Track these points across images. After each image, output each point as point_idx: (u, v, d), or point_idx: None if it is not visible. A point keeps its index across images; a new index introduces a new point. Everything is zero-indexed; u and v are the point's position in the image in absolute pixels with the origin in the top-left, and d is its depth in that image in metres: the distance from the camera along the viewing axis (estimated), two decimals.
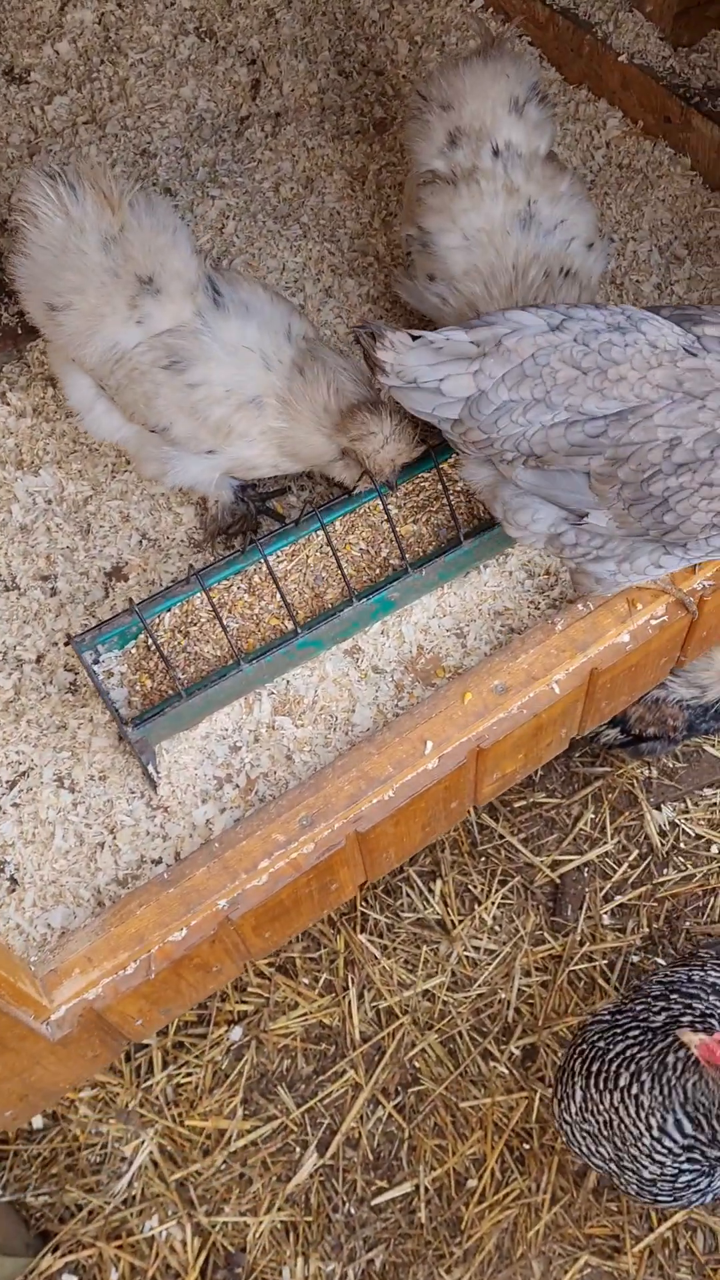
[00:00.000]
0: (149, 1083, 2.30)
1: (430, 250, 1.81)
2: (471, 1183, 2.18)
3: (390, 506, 1.76)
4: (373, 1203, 2.17)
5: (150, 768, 1.65)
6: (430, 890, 2.46)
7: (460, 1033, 2.31)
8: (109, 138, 2.42)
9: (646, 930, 2.40)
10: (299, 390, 1.64)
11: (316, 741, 1.71)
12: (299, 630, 1.68)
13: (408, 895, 2.46)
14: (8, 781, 1.71)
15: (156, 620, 1.73)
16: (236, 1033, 2.33)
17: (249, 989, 2.37)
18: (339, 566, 1.69)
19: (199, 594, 1.72)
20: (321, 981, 2.38)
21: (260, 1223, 2.16)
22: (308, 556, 1.80)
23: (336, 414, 1.64)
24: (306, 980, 2.38)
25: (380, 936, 2.41)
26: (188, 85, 2.49)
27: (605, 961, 2.36)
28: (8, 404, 2.06)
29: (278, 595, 1.74)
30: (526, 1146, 2.20)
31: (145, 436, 1.77)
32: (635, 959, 2.37)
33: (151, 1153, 2.25)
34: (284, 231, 2.25)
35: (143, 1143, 2.25)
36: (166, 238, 1.61)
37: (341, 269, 2.20)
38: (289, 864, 1.57)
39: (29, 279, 1.67)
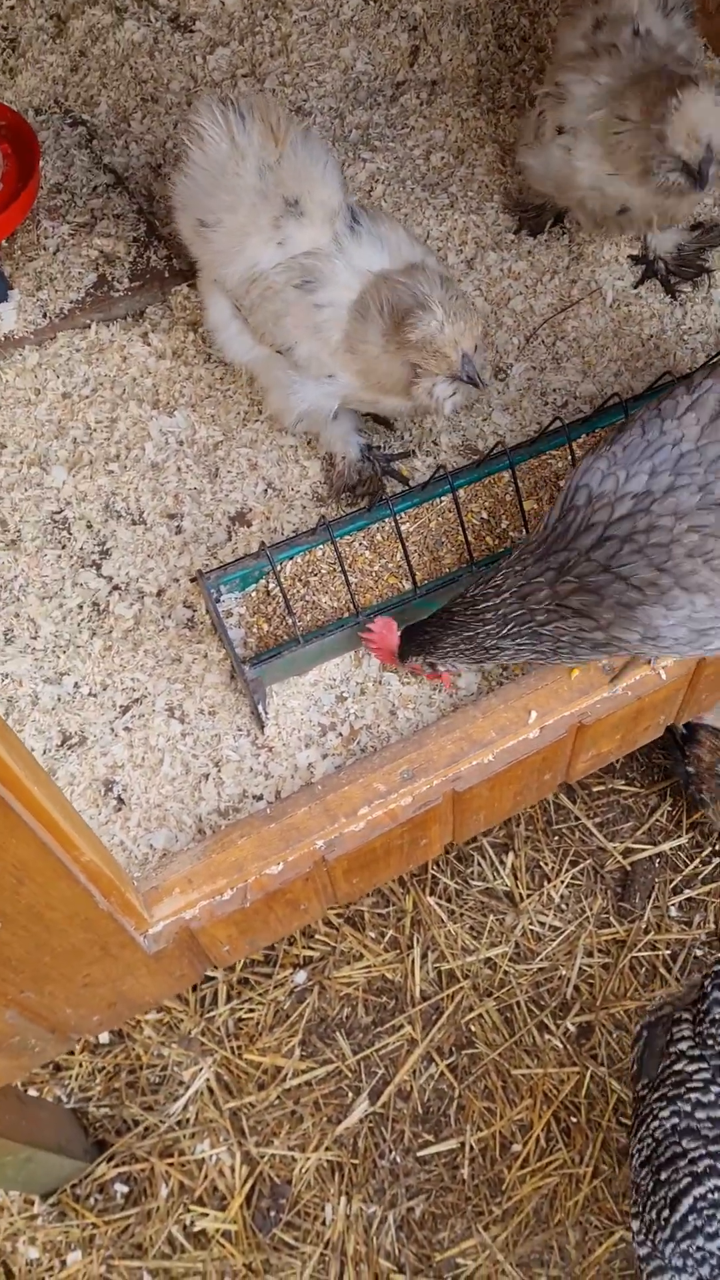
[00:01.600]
0: (212, 1014, 2.38)
1: (564, 99, 1.91)
2: (516, 1147, 2.23)
3: (517, 480, 1.79)
4: (418, 1154, 2.23)
5: (260, 707, 1.71)
6: (502, 862, 2.50)
7: (518, 1003, 2.35)
8: (266, 92, 2.46)
9: (713, 926, 2.42)
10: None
11: (420, 700, 1.76)
12: (417, 591, 1.72)
13: (479, 864, 2.50)
14: (121, 706, 1.78)
15: (279, 566, 1.78)
16: (301, 976, 2.40)
17: (316, 936, 2.44)
18: (463, 533, 1.72)
19: (324, 545, 1.77)
20: (387, 938, 2.44)
21: (308, 1159, 2.24)
22: (429, 520, 1.84)
23: (393, 327, 1.66)
24: (373, 934, 2.44)
25: (449, 901, 2.46)
26: (348, 46, 2.52)
27: (669, 952, 2.39)
28: (149, 344, 2.12)
29: (398, 555, 1.79)
30: (574, 1120, 2.24)
31: (272, 360, 1.82)
32: (699, 952, 2.39)
33: (208, 1080, 2.33)
34: (432, 200, 2.27)
35: (201, 1070, 2.33)
36: (318, 170, 1.67)
37: (485, 242, 2.22)
38: (386, 814, 1.63)
39: (186, 196, 1.75)
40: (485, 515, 1.85)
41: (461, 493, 1.85)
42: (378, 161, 2.32)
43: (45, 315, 2.13)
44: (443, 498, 1.82)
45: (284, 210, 1.67)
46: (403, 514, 1.82)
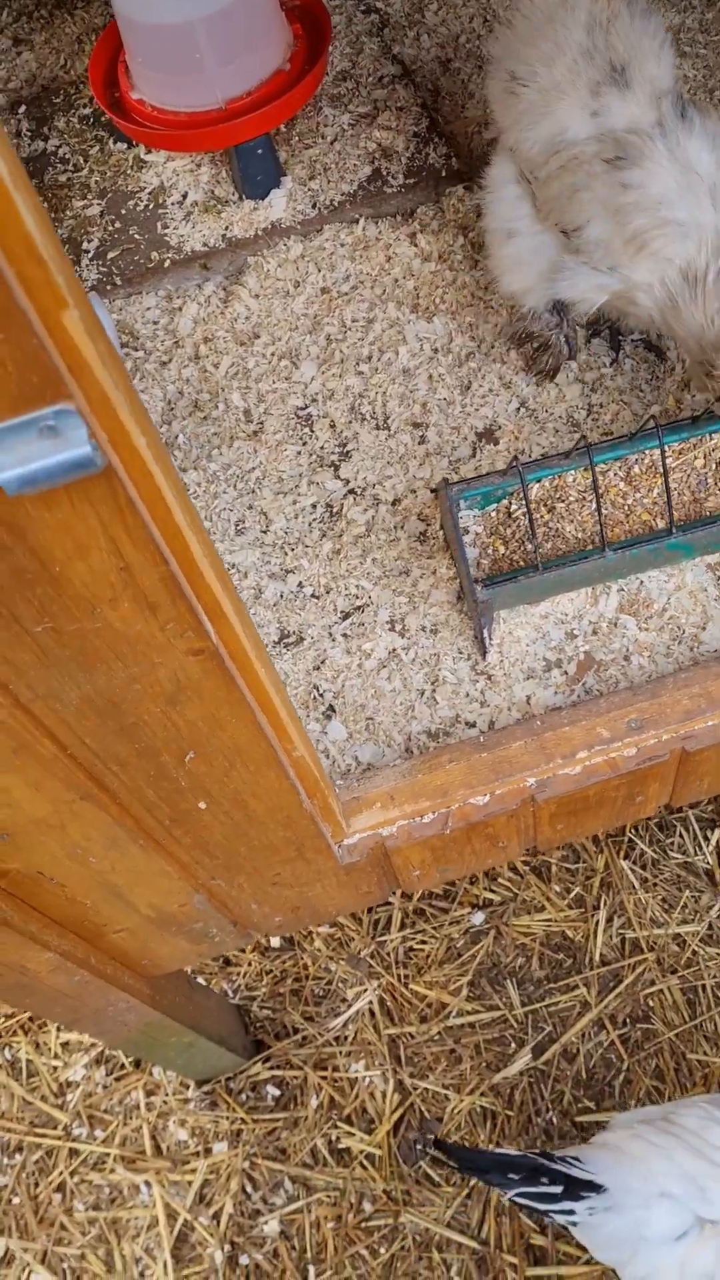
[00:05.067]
0: (384, 939, 2.35)
1: None
2: None
3: None
4: (576, 1119, 2.15)
5: (485, 632, 1.62)
6: (706, 838, 2.35)
7: (704, 986, 2.22)
8: None
9: None
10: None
11: (658, 649, 1.63)
12: (673, 530, 1.59)
13: (681, 836, 2.36)
14: (343, 612, 1.73)
15: (525, 488, 1.68)
16: (479, 917, 2.34)
17: (500, 880, 2.37)
18: None
19: (576, 471, 1.66)
20: (573, 894, 2.34)
21: (462, 1100, 2.19)
22: (695, 459, 1.69)
23: None
24: (558, 888, 2.34)
25: (643, 869, 2.33)
26: None
27: None
28: (416, 245, 2.04)
29: (654, 490, 1.66)
30: None
31: (540, 240, 1.67)
32: None
33: (371, 1003, 2.30)
34: None
35: (365, 991, 2.31)
36: (652, 44, 1.51)
37: None
38: (606, 762, 1.52)
39: (504, 46, 1.63)
40: None
41: None
42: (685, 68, 2.14)
43: (315, 205, 2.07)
44: (715, 434, 1.67)
45: (607, 76, 1.52)
46: (669, 447, 1.68)
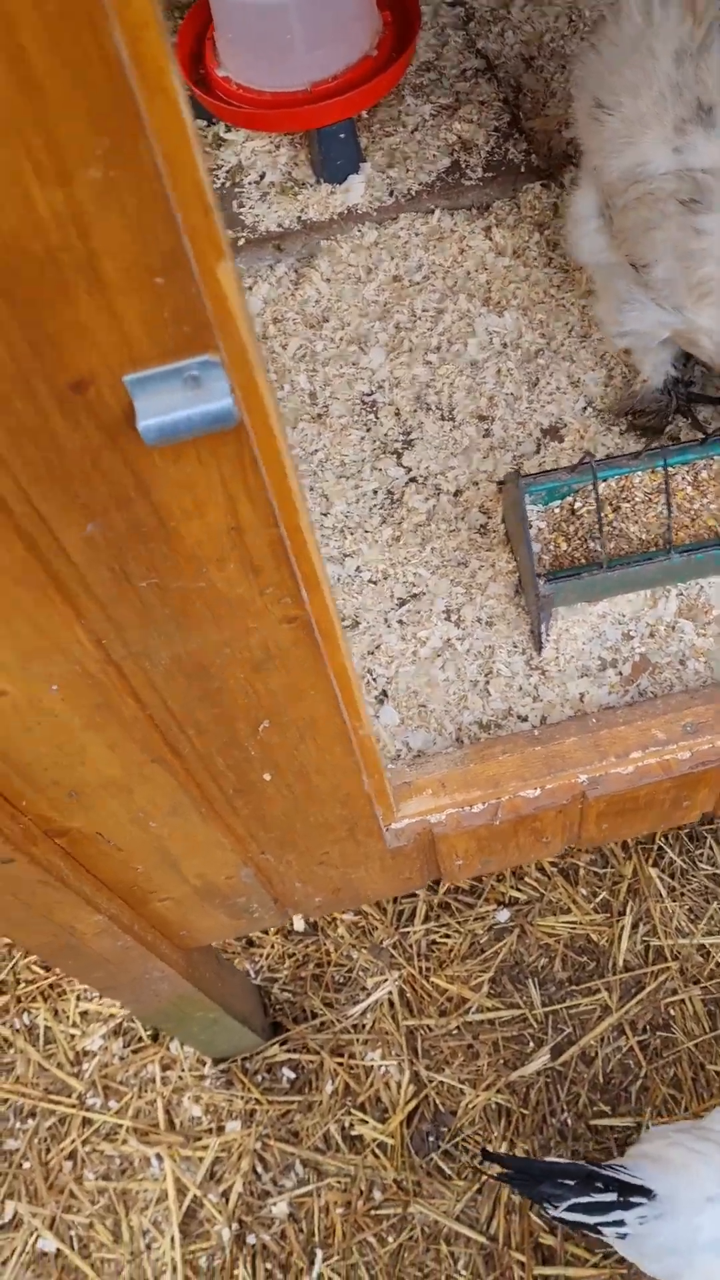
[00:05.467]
0: (407, 930, 2.35)
1: None
2: None
3: None
4: (591, 1122, 2.15)
5: (543, 627, 1.63)
6: None
7: None
8: None
9: None
10: None
11: (715, 655, 1.63)
12: None
13: (711, 848, 2.36)
14: (399, 599, 1.73)
15: (592, 486, 1.68)
16: (504, 915, 2.34)
17: (526, 879, 2.37)
18: None
19: (644, 472, 1.66)
20: (599, 898, 2.34)
21: (477, 1096, 2.19)
22: None
23: None
24: (585, 891, 2.34)
25: (671, 877, 2.33)
26: None
27: None
28: (490, 239, 2.04)
29: None
30: None
31: (618, 270, 1.68)
32: None
33: (391, 993, 2.31)
34: None
35: (386, 981, 2.31)
36: None
37: None
38: (659, 764, 1.52)
39: (588, 73, 1.60)
40: None
41: None
42: None
43: (392, 194, 2.08)
44: None
45: (694, 115, 1.51)
46: None
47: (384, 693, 1.67)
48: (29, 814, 1.15)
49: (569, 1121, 2.16)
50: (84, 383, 0.65)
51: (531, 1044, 2.23)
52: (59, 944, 1.39)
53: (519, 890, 2.36)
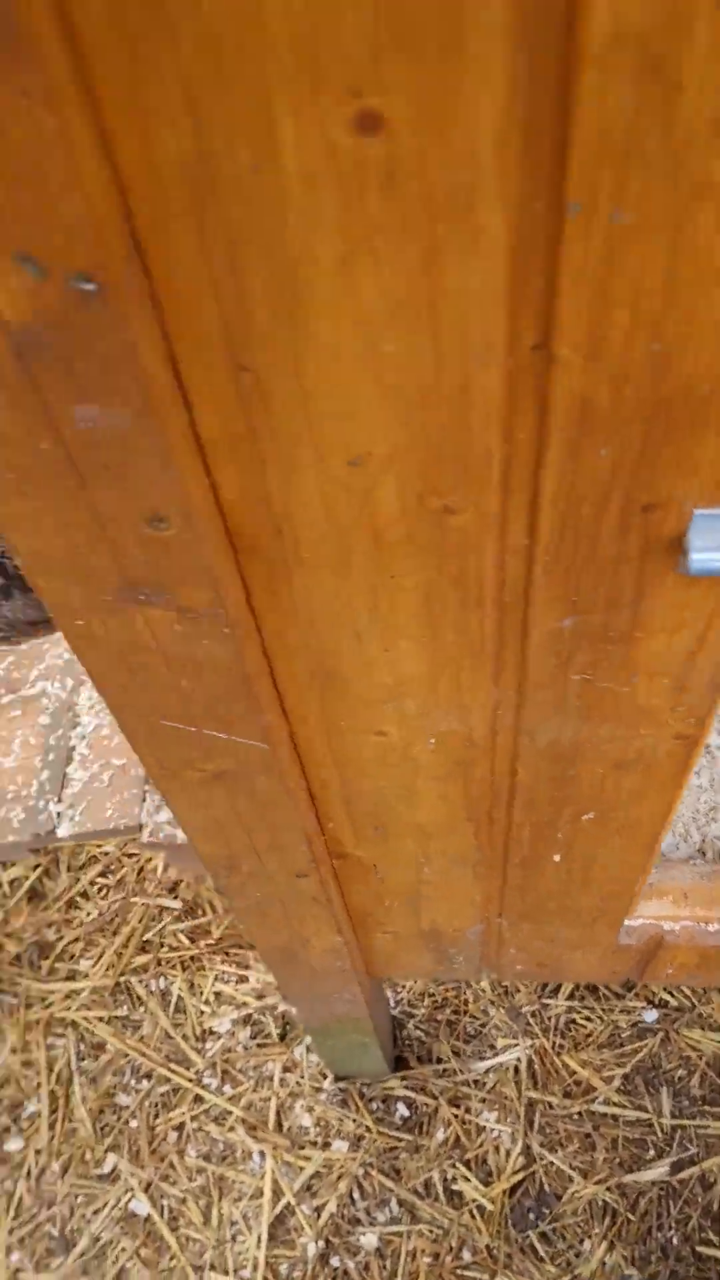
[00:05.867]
0: (549, 1002, 2.34)
1: None
2: None
3: None
4: (697, 1248, 2.11)
5: None
6: None
7: None
8: None
9: None
10: None
11: None
12: None
13: None
14: None
15: None
16: (651, 1015, 2.31)
17: (681, 987, 2.33)
18: None
19: None
20: None
21: (586, 1187, 2.16)
22: None
23: None
24: None
25: None
26: None
27: None
28: None
29: None
30: None
31: None
32: None
33: (519, 1059, 2.29)
34: None
35: (517, 1046, 2.30)
36: None
37: None
38: None
39: None
40: None
41: None
42: None
43: None
44: None
45: None
46: None
47: None
48: (328, 835, 1.18)
49: (674, 1241, 2.12)
50: (656, 505, 0.66)
51: (652, 1151, 2.20)
52: (287, 951, 1.42)
53: (671, 995, 2.32)
